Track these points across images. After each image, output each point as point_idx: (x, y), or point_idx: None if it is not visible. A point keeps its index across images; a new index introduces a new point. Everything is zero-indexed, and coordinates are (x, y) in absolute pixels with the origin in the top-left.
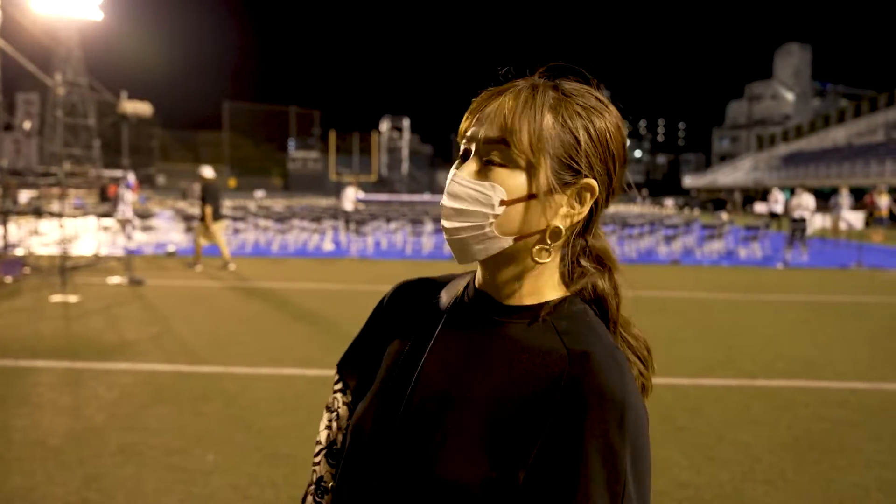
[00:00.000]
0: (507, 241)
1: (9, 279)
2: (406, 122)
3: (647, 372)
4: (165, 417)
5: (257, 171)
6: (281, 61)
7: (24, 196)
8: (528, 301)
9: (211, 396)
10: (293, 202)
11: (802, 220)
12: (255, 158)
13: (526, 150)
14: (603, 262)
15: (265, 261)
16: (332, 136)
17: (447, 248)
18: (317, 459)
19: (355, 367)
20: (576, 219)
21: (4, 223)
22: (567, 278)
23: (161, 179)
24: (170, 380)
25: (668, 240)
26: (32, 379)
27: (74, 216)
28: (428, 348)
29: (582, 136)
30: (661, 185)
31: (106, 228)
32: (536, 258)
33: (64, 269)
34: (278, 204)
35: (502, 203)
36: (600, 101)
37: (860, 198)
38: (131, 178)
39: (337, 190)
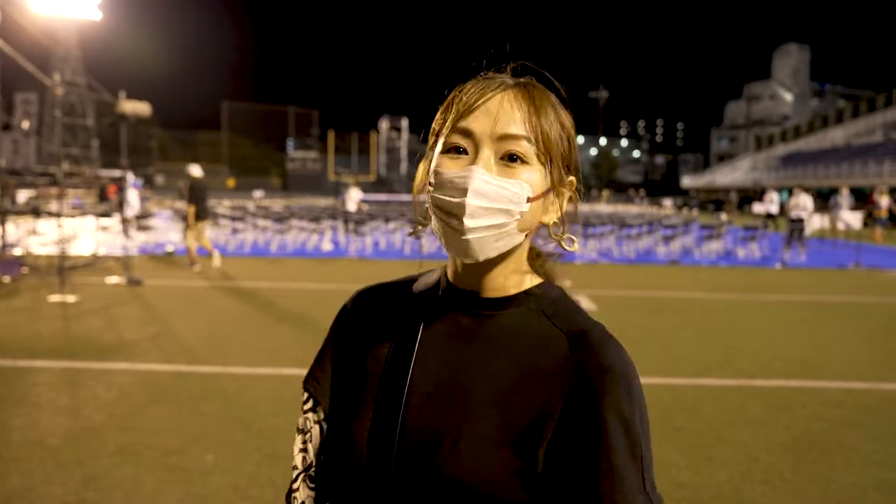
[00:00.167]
0: (521, 237)
1: (7, 279)
2: (405, 122)
3: None
4: (164, 417)
5: (256, 171)
6: (279, 61)
7: (23, 196)
8: (510, 292)
9: (210, 396)
10: (292, 202)
11: (800, 221)
12: (254, 158)
13: (551, 146)
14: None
15: (264, 261)
16: (331, 136)
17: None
18: (295, 486)
19: (325, 383)
20: (559, 214)
21: (3, 223)
22: (532, 265)
23: (160, 179)
24: (168, 380)
25: (667, 240)
26: (31, 379)
27: (73, 216)
28: (414, 353)
29: (572, 135)
30: (659, 185)
31: (104, 228)
32: (523, 251)
33: (62, 268)
34: (277, 204)
35: (528, 200)
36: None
37: (860, 198)
38: (131, 177)
39: (335, 190)
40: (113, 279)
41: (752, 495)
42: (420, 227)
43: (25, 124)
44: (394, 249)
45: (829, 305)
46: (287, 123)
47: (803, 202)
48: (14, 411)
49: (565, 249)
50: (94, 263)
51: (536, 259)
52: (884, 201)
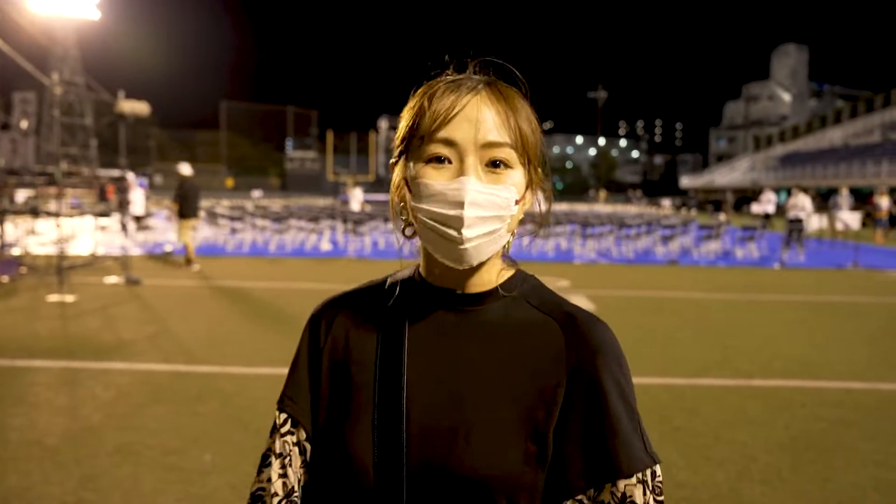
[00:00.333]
0: (508, 237)
1: (5, 279)
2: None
3: None
4: (162, 417)
5: (255, 171)
6: (278, 61)
7: (21, 195)
8: (489, 286)
9: (208, 396)
10: (290, 202)
11: (799, 221)
12: (253, 158)
13: (529, 147)
14: None
15: (263, 261)
16: (330, 135)
17: None
18: None
19: (303, 401)
20: (528, 209)
21: (1, 223)
22: (504, 257)
23: (158, 179)
24: (167, 379)
25: (666, 240)
26: (29, 379)
27: (71, 216)
28: (404, 356)
29: (540, 129)
30: (658, 185)
31: (103, 228)
32: (506, 247)
33: (61, 268)
34: (276, 204)
35: (516, 203)
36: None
37: (860, 198)
38: (133, 176)
39: (334, 190)
40: (111, 279)
41: (750, 495)
42: (406, 235)
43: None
44: (392, 249)
45: (828, 305)
46: (286, 123)
47: (802, 202)
48: (12, 411)
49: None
50: (93, 263)
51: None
52: (884, 202)
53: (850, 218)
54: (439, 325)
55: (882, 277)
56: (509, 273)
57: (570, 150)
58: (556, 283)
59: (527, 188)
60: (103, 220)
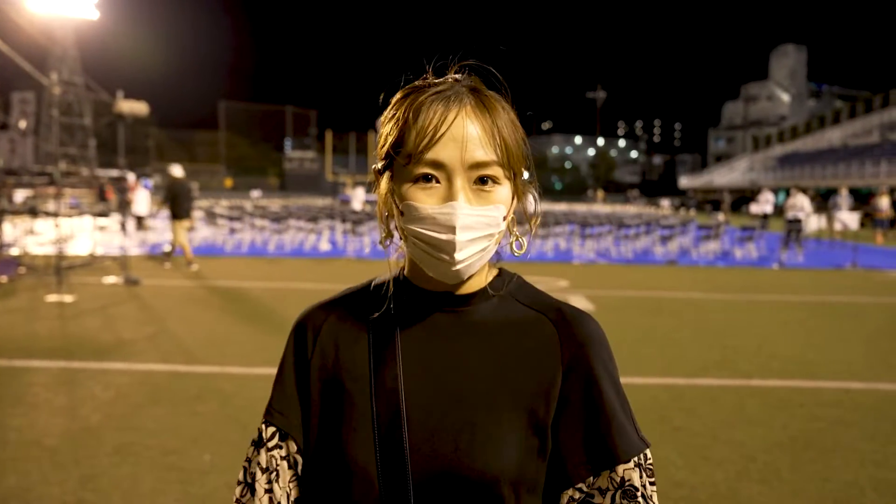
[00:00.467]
0: (495, 247)
1: (4, 279)
2: None
3: None
4: (161, 417)
5: (254, 171)
6: (277, 61)
7: (20, 195)
8: (478, 286)
9: (207, 396)
10: (289, 202)
11: (798, 221)
12: (252, 158)
13: (515, 162)
14: None
15: (261, 261)
16: (329, 135)
17: None
18: None
19: (293, 414)
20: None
21: (0, 223)
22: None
23: (157, 179)
24: (166, 380)
25: (665, 240)
26: (28, 379)
27: (70, 216)
28: (399, 360)
29: (524, 134)
30: (657, 185)
31: (102, 228)
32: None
33: (59, 268)
34: (275, 204)
35: (504, 219)
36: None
37: (860, 199)
38: (132, 177)
39: (333, 190)
40: (110, 279)
41: (749, 495)
42: (389, 242)
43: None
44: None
45: (827, 306)
46: (284, 123)
47: (800, 203)
48: (11, 411)
49: (515, 254)
50: (92, 263)
51: None
52: (884, 203)
53: (848, 218)
54: (431, 327)
55: (881, 277)
56: (494, 272)
57: (568, 150)
58: (556, 284)
59: (513, 200)
60: (102, 221)
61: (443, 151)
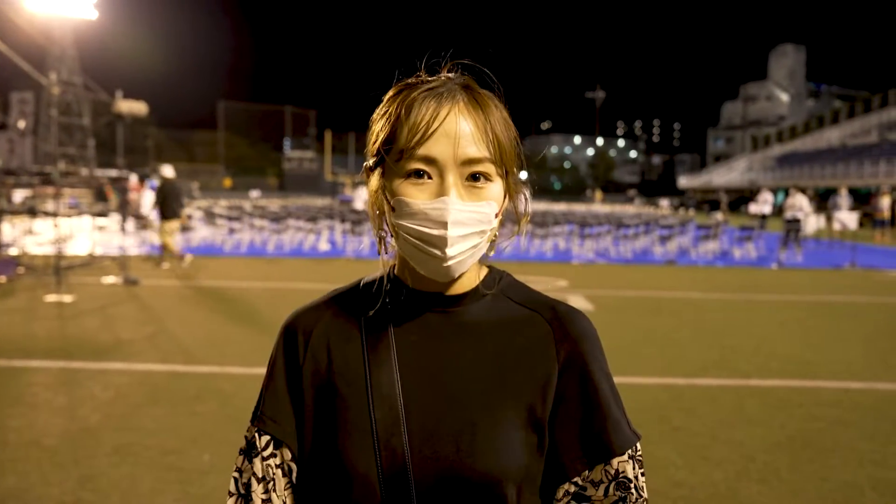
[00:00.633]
0: (486, 245)
1: (3, 279)
2: None
3: None
4: (161, 417)
5: (253, 171)
6: (276, 61)
7: (19, 195)
8: (470, 286)
9: (206, 396)
10: (289, 202)
11: (797, 221)
12: (251, 158)
13: (507, 159)
14: None
15: (261, 261)
16: (328, 135)
17: None
18: None
19: (286, 421)
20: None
21: None
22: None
23: (156, 179)
24: (165, 380)
25: (664, 240)
26: (27, 379)
27: (69, 216)
28: (395, 363)
29: (516, 132)
30: (656, 185)
31: (101, 228)
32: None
33: (59, 268)
34: (274, 204)
35: (496, 216)
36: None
37: (860, 199)
38: (135, 178)
39: (332, 190)
40: (109, 279)
41: (748, 494)
42: (383, 243)
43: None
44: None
45: (826, 305)
46: (284, 123)
47: (799, 202)
48: (10, 411)
49: (486, 255)
50: (91, 263)
51: None
52: (885, 203)
53: (847, 218)
54: (425, 328)
55: (879, 277)
56: (484, 271)
57: (567, 150)
58: (555, 283)
59: (505, 197)
60: (101, 220)
61: (435, 147)
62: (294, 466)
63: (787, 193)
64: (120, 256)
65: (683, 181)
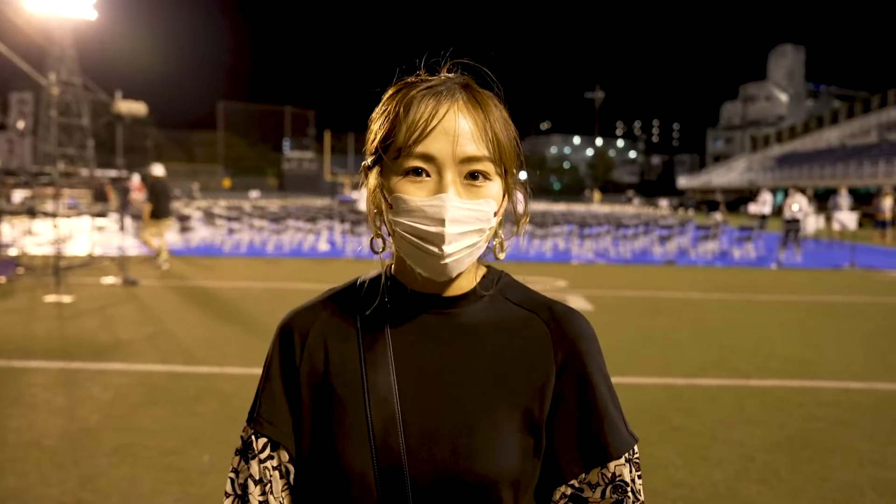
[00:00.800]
0: (485, 244)
1: (2, 279)
2: None
3: None
4: (160, 418)
5: (252, 172)
6: (276, 61)
7: (18, 196)
8: (468, 287)
9: (206, 396)
10: (288, 202)
11: (796, 221)
12: (250, 158)
13: (507, 158)
14: None
15: (260, 261)
16: (327, 136)
17: None
18: None
19: (283, 423)
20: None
21: None
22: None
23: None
24: (165, 380)
25: (663, 240)
26: (26, 379)
27: (68, 216)
28: (391, 365)
29: (516, 132)
30: (655, 185)
31: (100, 228)
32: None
33: (58, 269)
34: (273, 204)
35: (495, 214)
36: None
37: (861, 199)
38: (137, 178)
39: (332, 190)
40: (109, 279)
41: (748, 494)
42: (381, 244)
43: (21, 124)
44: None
45: (825, 305)
46: (283, 123)
47: (798, 203)
48: (10, 412)
49: (497, 258)
50: (90, 263)
51: None
52: (887, 204)
53: (846, 218)
54: (422, 329)
55: (879, 277)
56: (482, 272)
57: (567, 150)
58: (554, 284)
59: (504, 197)
60: (100, 221)
61: (433, 145)
62: (291, 468)
63: (786, 194)
64: (119, 257)
65: (683, 181)
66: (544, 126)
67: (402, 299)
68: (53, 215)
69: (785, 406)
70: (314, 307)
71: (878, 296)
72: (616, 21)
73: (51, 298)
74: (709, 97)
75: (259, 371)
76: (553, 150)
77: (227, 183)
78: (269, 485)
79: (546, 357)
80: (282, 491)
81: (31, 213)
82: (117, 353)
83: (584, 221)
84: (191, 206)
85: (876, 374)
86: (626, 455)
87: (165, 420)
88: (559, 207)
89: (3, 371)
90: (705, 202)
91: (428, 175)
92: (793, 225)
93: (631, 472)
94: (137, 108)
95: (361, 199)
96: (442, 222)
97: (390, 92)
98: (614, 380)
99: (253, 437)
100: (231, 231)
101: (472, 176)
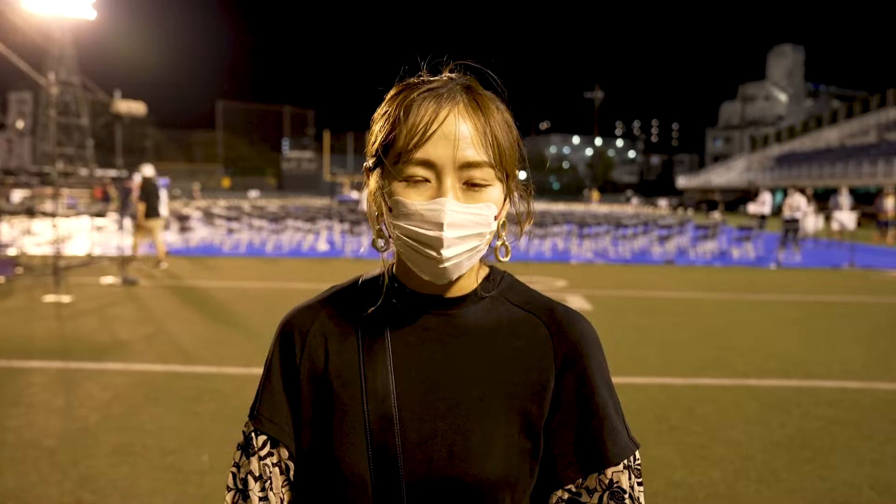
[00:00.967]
0: (485, 248)
1: (2, 279)
2: None
3: None
4: (159, 418)
5: (251, 171)
6: (275, 61)
7: (17, 196)
8: (469, 288)
9: (205, 396)
10: (287, 202)
11: (795, 221)
12: (249, 158)
13: (507, 163)
14: None
15: (259, 261)
16: (327, 135)
17: None
18: None
19: (283, 420)
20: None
21: None
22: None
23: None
24: (164, 380)
25: (662, 240)
26: (25, 379)
27: (67, 216)
28: (390, 366)
29: (518, 135)
30: (654, 185)
31: (99, 228)
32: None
33: (57, 269)
34: (272, 204)
35: (495, 218)
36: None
37: (862, 199)
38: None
39: (331, 190)
40: (108, 279)
41: (746, 494)
42: (383, 244)
43: (20, 124)
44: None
45: (824, 305)
46: (282, 123)
47: (797, 203)
48: (8, 412)
49: (499, 260)
50: (89, 263)
51: None
52: (889, 203)
53: (846, 218)
54: (422, 330)
55: (878, 277)
56: (485, 273)
57: (566, 150)
58: (553, 284)
59: (505, 200)
60: (99, 221)
61: (433, 150)
62: (291, 465)
63: (785, 193)
64: (118, 256)
65: (682, 181)
66: (543, 126)
67: (402, 300)
68: (52, 215)
69: (784, 405)
70: (315, 306)
71: (877, 295)
72: (615, 21)
73: (50, 298)
74: (708, 97)
75: (258, 371)
76: (552, 149)
77: (226, 183)
78: (268, 481)
79: (546, 359)
80: (282, 487)
81: (31, 212)
82: (116, 353)
83: (583, 221)
84: (190, 207)
85: (875, 374)
86: (626, 461)
87: (165, 420)
88: (558, 207)
89: (2, 371)
90: (705, 202)
91: (427, 181)
92: (792, 225)
93: (630, 479)
94: (136, 107)
95: (363, 199)
96: (440, 226)
97: (392, 93)
98: (613, 379)
99: (253, 435)
100: (230, 231)
101: (473, 182)
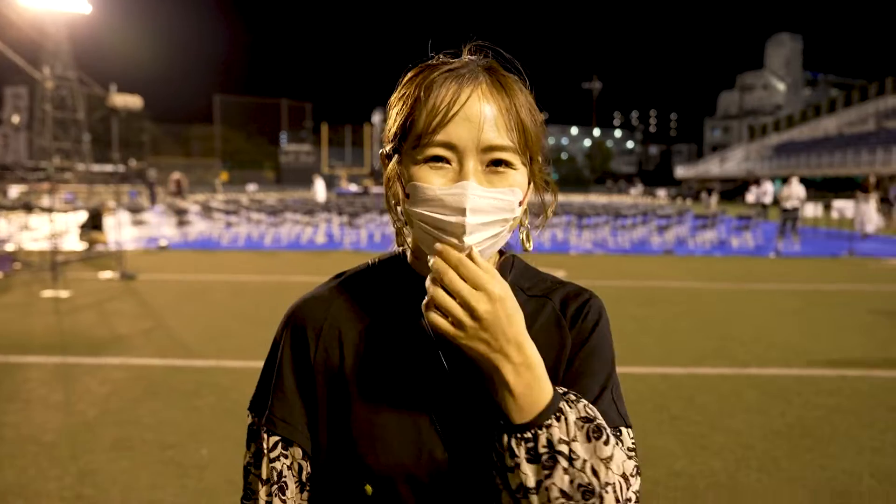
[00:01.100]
0: (508, 235)
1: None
2: None
3: None
4: (159, 412)
5: (249, 165)
6: (272, 54)
7: (14, 191)
8: None
9: (204, 391)
10: (285, 195)
11: (794, 210)
12: (247, 152)
13: (532, 145)
14: None
15: (258, 254)
16: (325, 128)
17: None
18: None
19: (297, 420)
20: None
21: None
22: None
23: (152, 173)
24: (162, 374)
25: (661, 230)
26: (24, 375)
27: (65, 211)
28: (408, 360)
29: (541, 118)
30: (653, 175)
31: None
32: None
33: (55, 264)
34: (271, 197)
35: (520, 204)
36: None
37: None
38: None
39: (329, 183)
40: (106, 274)
41: (747, 483)
42: (404, 234)
43: (15, 119)
44: (389, 241)
45: (823, 294)
46: (280, 116)
47: (796, 192)
48: (7, 407)
49: (525, 249)
50: (87, 258)
51: None
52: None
53: (874, 215)
54: None
55: (876, 265)
56: (495, 258)
57: (564, 140)
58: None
59: (529, 185)
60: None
61: (455, 132)
62: (305, 464)
63: (784, 182)
64: (116, 251)
65: (680, 171)
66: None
67: (418, 289)
68: (50, 210)
69: (784, 394)
70: (325, 296)
71: (876, 283)
72: (613, 11)
73: (48, 293)
74: (706, 87)
75: (257, 364)
76: (551, 140)
77: (224, 176)
78: (279, 485)
79: (560, 336)
80: (295, 487)
81: (28, 207)
82: (115, 348)
83: (582, 212)
84: (189, 201)
85: (874, 362)
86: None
87: (164, 414)
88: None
89: (0, 366)
90: (705, 190)
91: (448, 163)
92: (791, 214)
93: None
94: (133, 101)
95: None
96: (462, 212)
97: (410, 74)
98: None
99: (266, 437)
100: (229, 224)
101: (495, 164)
